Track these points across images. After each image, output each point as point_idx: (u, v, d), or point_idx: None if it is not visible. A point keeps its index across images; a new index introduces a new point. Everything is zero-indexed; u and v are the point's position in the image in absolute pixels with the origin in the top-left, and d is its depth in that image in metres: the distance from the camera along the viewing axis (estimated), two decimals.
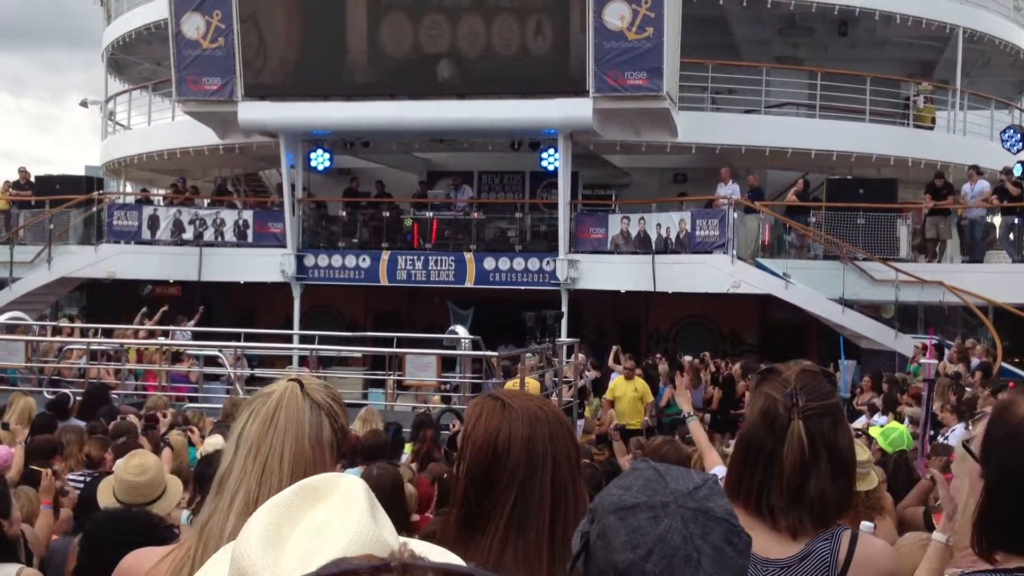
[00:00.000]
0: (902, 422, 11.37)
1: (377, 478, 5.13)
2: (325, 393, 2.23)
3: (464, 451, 2.08)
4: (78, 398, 11.10)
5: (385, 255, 22.68)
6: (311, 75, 21.46)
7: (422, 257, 22.56)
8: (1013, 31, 26.84)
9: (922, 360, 14.18)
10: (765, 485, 2.43)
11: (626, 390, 16.78)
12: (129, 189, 29.93)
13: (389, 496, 4.85)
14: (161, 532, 3.86)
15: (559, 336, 16.21)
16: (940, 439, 9.95)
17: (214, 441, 7.58)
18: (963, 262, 21.11)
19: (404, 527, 4.99)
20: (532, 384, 14.12)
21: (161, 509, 5.02)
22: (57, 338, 18.33)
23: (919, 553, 3.18)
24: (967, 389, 13.78)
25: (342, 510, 1.31)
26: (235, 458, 2.12)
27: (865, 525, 4.25)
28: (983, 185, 20.81)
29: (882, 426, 13.95)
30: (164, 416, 10.37)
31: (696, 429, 5.06)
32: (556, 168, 21.51)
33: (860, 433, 11.48)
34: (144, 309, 20.33)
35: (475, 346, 16.63)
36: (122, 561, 2.20)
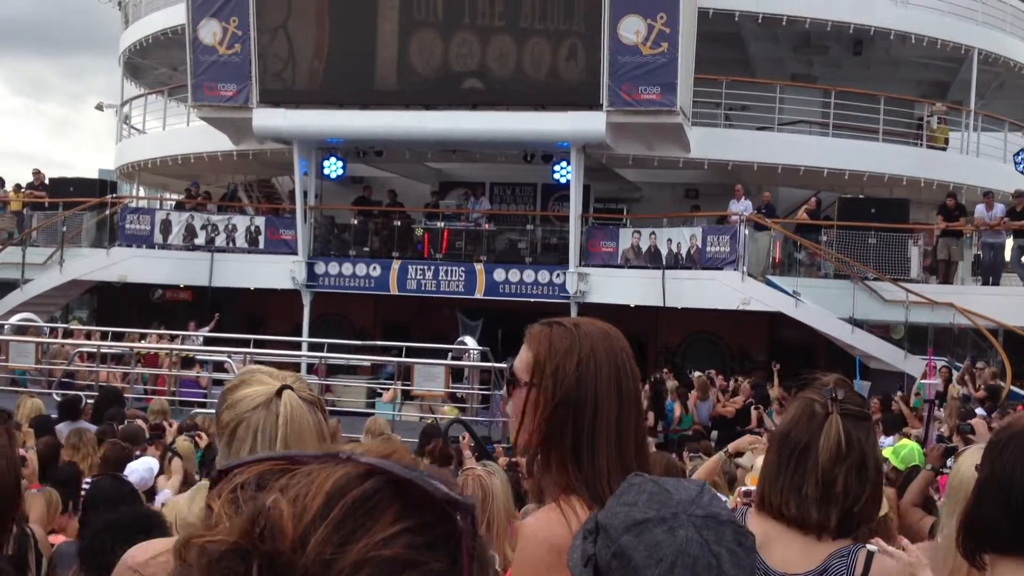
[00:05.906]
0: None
1: None
2: (305, 387, 2.30)
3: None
4: (89, 401, 11.14)
5: (396, 264, 22.72)
6: (327, 83, 21.55)
7: (432, 267, 22.59)
8: None
9: (922, 381, 14.18)
10: (798, 480, 2.45)
11: None
12: (143, 193, 30.05)
13: None
14: (158, 529, 3.78)
15: None
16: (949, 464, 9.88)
17: None
18: (980, 284, 21.07)
19: None
20: None
21: None
22: (68, 340, 18.40)
23: None
24: (976, 412, 13.73)
25: None
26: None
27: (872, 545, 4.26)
28: (1000, 209, 20.75)
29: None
30: (170, 425, 10.42)
31: (712, 463, 5.08)
32: (568, 181, 21.54)
33: None
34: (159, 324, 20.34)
35: (484, 357, 16.65)
36: (127, 552, 2.23)
